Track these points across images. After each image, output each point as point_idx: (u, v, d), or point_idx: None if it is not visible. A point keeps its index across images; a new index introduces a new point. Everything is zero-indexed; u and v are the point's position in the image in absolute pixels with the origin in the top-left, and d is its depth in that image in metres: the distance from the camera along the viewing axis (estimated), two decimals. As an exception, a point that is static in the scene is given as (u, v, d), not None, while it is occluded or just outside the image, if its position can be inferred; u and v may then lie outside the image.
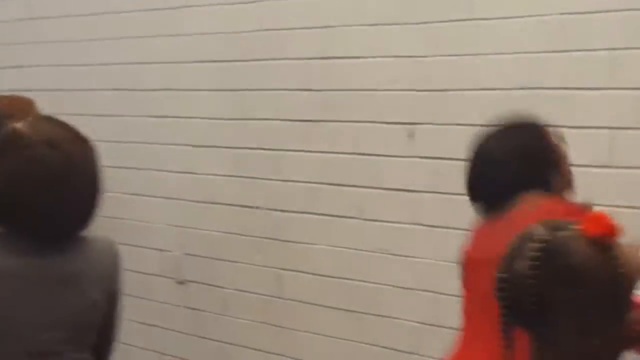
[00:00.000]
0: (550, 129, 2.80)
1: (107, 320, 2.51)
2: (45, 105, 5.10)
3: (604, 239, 1.76)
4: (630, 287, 1.79)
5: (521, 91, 3.50)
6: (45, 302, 2.36)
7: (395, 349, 3.93)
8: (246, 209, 4.54)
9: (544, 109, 3.07)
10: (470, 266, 2.76)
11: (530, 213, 2.49)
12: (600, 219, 1.78)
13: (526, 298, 1.76)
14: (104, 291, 2.44)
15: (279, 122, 4.37)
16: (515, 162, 2.69)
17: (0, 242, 2.38)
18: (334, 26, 4.12)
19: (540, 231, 1.80)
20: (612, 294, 1.76)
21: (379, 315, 4.04)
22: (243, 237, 4.57)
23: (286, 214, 4.37)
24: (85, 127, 5.12)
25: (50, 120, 2.56)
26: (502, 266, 1.81)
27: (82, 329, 2.43)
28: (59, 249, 2.40)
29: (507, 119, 2.83)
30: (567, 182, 2.76)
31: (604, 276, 1.75)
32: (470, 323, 2.76)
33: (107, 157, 5.11)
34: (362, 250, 4.09)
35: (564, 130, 3.06)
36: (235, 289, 4.62)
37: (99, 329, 2.48)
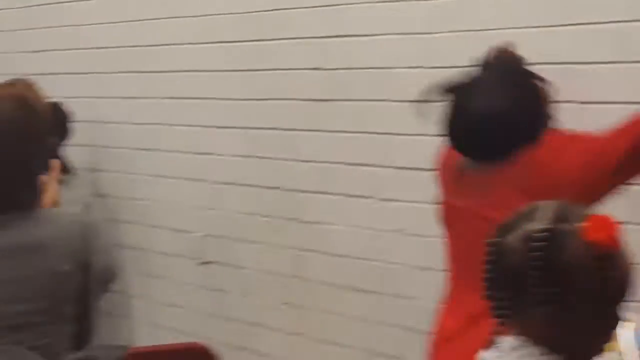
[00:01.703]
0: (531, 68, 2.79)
1: (84, 291, 2.50)
2: (64, 91, 5.14)
3: (603, 246, 1.71)
4: (616, 302, 1.75)
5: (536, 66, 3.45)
6: (11, 274, 2.38)
7: (414, 329, 3.90)
8: (265, 189, 4.53)
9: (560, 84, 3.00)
10: (457, 213, 2.78)
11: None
12: (605, 225, 1.73)
13: (507, 273, 1.75)
14: (75, 262, 2.44)
15: (293, 101, 4.34)
16: (516, 115, 2.67)
17: None
18: (345, 4, 4.08)
19: (545, 215, 1.76)
20: (595, 304, 1.72)
21: (397, 296, 4.02)
22: (263, 217, 4.56)
23: (303, 194, 4.35)
24: (103, 109, 5.25)
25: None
26: (498, 232, 1.80)
27: (56, 300, 2.43)
28: (19, 220, 2.42)
29: (488, 60, 2.80)
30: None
31: (591, 283, 1.71)
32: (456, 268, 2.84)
33: (126, 139, 5.20)
34: (379, 230, 4.05)
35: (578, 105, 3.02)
36: (256, 269, 4.61)
37: (78, 301, 2.48)
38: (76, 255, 2.44)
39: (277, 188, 4.46)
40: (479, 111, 2.69)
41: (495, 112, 2.67)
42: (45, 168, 2.59)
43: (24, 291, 2.38)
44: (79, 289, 2.46)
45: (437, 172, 2.98)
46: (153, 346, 4.41)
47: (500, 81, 2.76)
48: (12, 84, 2.69)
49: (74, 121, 5.06)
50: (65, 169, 4.50)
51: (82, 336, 2.56)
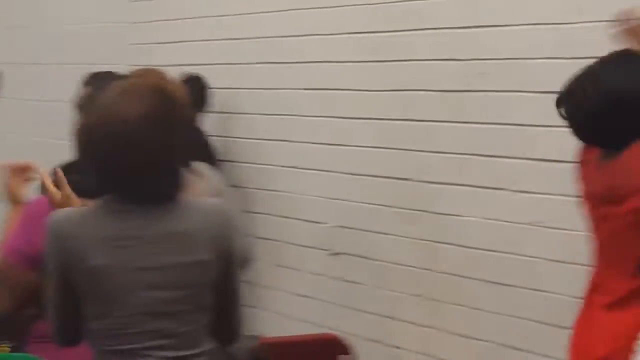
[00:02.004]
0: None
1: (224, 281, 2.50)
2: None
3: None
4: None
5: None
6: (152, 262, 2.40)
7: (550, 324, 3.83)
8: (397, 180, 4.50)
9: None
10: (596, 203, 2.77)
11: None
12: None
13: None
14: (216, 251, 2.45)
15: (426, 92, 4.30)
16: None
17: (103, 206, 2.41)
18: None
19: None
20: None
21: (532, 289, 3.95)
22: (395, 208, 4.54)
23: (437, 185, 4.31)
24: (238, 101, 5.30)
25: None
26: None
27: (193, 289, 2.44)
28: (163, 210, 2.43)
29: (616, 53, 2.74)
30: None
31: None
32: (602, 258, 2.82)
33: (260, 130, 5.24)
34: (514, 222, 3.99)
35: None
36: (389, 261, 4.59)
37: (217, 290, 2.49)
38: (218, 245, 2.44)
39: (410, 179, 4.43)
40: (601, 97, 2.63)
41: (617, 98, 2.61)
42: (188, 158, 2.60)
43: (166, 279, 2.39)
44: (219, 278, 2.47)
45: (577, 166, 2.92)
46: (285, 336, 4.44)
47: (621, 67, 2.69)
48: (142, 74, 2.69)
49: (211, 89, 5.15)
50: (210, 159, 4.58)
51: (232, 326, 2.57)
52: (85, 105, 2.91)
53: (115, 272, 2.38)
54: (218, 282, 2.48)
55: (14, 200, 3.21)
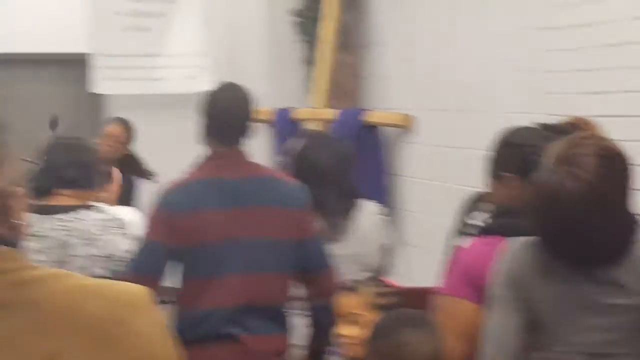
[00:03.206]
0: None
1: None
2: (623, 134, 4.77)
3: None
4: None
5: None
6: (595, 302, 2.40)
7: None
8: None
9: None
10: None
11: None
12: None
13: None
14: None
15: None
16: None
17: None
18: None
19: None
20: None
21: None
22: None
23: None
24: None
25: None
26: None
27: (632, 331, 2.42)
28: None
29: None
30: None
31: None
32: None
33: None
34: None
35: None
36: None
37: None
38: None
39: None
40: None
41: None
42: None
43: (609, 322, 2.39)
44: None
45: None
46: None
47: None
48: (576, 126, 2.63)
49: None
50: None
51: None
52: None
53: (562, 308, 2.42)
54: None
55: None
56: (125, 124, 7.22)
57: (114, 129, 7.15)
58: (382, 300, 3.36)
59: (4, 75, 8.18)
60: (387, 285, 3.52)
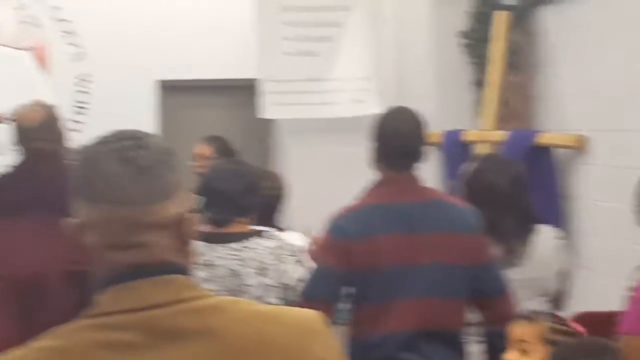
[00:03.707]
0: None
1: None
2: None
3: None
4: None
5: None
6: None
7: None
8: None
9: None
10: None
11: None
12: None
13: None
14: None
15: None
16: None
17: None
18: None
19: None
20: None
21: None
22: None
23: None
24: None
25: None
26: None
27: None
28: None
29: None
30: None
31: None
32: None
33: None
34: None
35: None
36: None
37: None
38: None
39: None
40: None
41: None
42: None
43: None
44: None
45: None
46: None
47: None
48: None
49: None
50: None
51: None
52: None
53: None
54: None
55: None
56: (215, 142, 6.92)
57: (203, 149, 6.83)
58: (557, 337, 3.24)
59: (176, 102, 8.38)
60: (566, 324, 3.40)
